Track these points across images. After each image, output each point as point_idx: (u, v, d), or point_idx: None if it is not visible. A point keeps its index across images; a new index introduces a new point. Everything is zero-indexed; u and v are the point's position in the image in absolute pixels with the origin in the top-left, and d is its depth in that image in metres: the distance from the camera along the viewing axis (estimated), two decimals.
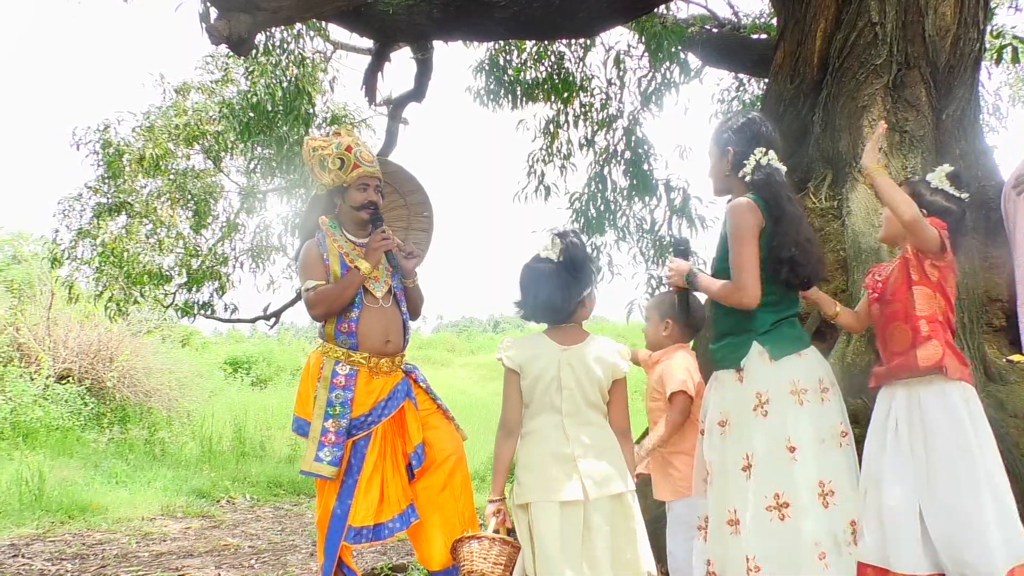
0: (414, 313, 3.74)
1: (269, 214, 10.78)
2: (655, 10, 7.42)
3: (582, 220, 8.19)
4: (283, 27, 7.22)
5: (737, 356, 2.87)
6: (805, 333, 3.01)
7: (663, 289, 8.96)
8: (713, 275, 2.99)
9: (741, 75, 8.50)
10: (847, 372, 3.51)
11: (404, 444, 3.40)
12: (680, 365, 3.26)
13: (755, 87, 8.87)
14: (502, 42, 8.30)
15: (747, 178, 2.91)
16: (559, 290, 2.71)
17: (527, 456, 2.72)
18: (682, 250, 3.14)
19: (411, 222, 4.01)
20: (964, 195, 2.99)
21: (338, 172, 3.47)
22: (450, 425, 3.57)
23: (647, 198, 7.84)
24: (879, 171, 2.88)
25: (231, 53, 6.74)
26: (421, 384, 3.62)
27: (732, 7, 8.45)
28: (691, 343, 3.57)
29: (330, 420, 3.32)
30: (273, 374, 18.56)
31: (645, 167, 7.71)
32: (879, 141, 3.09)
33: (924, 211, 2.82)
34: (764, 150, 2.92)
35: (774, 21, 8.43)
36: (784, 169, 2.96)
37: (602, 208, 7.81)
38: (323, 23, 7.75)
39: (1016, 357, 3.79)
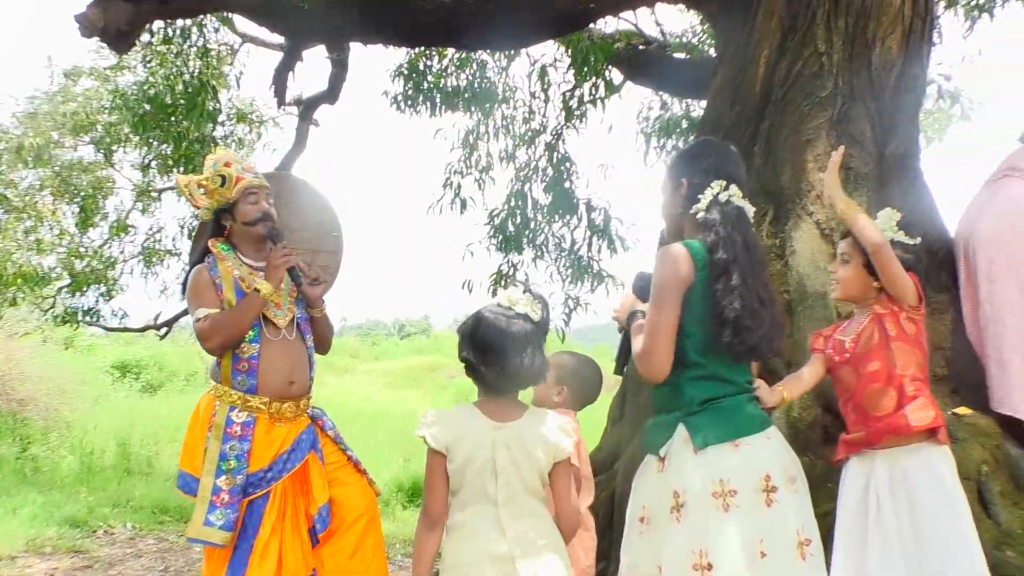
0: (321, 347, 3.33)
1: (164, 215, 10.07)
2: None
3: (500, 237, 7.89)
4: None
5: (659, 440, 2.36)
6: (755, 415, 2.40)
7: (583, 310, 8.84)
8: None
9: (666, 94, 8.35)
10: (792, 428, 3.29)
11: (307, 504, 2.98)
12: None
13: (676, 106, 8.77)
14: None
15: (699, 215, 2.40)
16: (537, 355, 2.24)
17: (455, 555, 2.26)
18: (641, 286, 2.68)
19: (318, 243, 3.59)
20: (916, 241, 2.82)
21: (220, 190, 3.07)
22: (362, 480, 3.17)
23: (568, 217, 7.58)
24: (849, 204, 2.70)
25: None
26: (329, 432, 3.21)
27: (659, 25, 8.30)
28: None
29: (223, 477, 2.87)
30: (165, 379, 17.57)
31: (567, 184, 7.44)
32: (836, 171, 2.89)
33: None
34: (723, 183, 2.41)
35: (698, 41, 8.38)
36: (751, 209, 2.51)
37: (521, 225, 7.50)
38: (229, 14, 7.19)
39: (962, 410, 3.64)
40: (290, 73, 6.53)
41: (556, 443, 2.26)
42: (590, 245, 7.50)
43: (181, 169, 7.68)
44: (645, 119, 8.49)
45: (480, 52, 7.95)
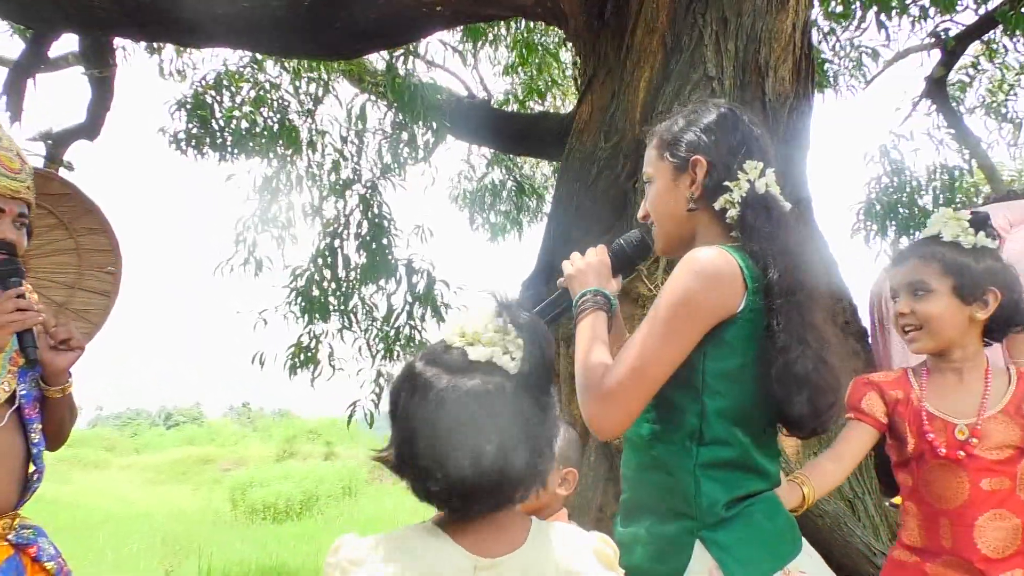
0: (55, 440, 2.16)
1: None
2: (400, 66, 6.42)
3: (301, 301, 6.72)
4: None
5: (667, 571, 1.51)
6: (792, 522, 1.64)
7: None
8: None
9: (491, 149, 7.71)
10: None
11: None
12: None
13: (496, 171, 8.18)
14: (212, 78, 6.77)
15: (730, 213, 1.64)
16: (524, 437, 1.15)
17: None
18: (620, 251, 1.87)
19: (82, 278, 2.46)
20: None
21: None
22: None
23: (384, 279, 6.59)
24: None
25: None
26: (47, 564, 2.02)
27: (484, 84, 7.71)
28: None
29: None
30: None
31: (384, 241, 6.48)
32: None
33: None
34: (758, 165, 1.66)
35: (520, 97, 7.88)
36: (789, 207, 1.72)
37: (332, 288, 6.40)
38: None
39: (898, 499, 3.02)
40: (29, 81, 4.95)
41: None
42: (411, 312, 6.52)
43: None
44: (466, 177, 7.77)
45: (281, 91, 6.93)
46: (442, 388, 1.14)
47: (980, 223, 1.91)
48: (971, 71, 7.68)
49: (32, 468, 2.03)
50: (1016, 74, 7.77)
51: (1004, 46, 7.20)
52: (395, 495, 17.82)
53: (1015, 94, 7.88)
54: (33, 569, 2.00)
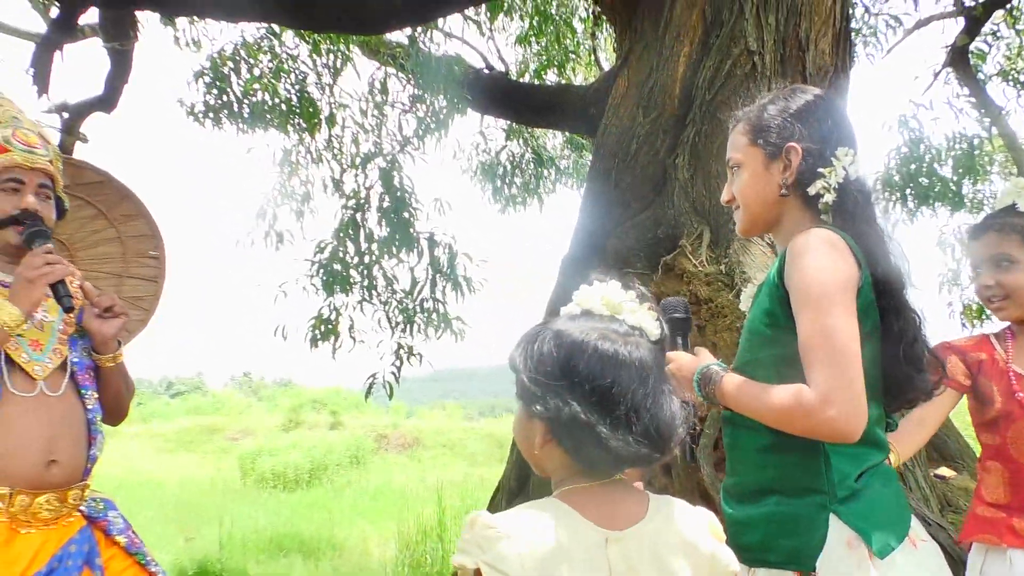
0: (113, 413, 2.22)
1: None
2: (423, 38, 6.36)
3: (322, 274, 6.72)
4: None
5: (798, 545, 1.52)
6: (900, 485, 1.68)
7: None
8: (736, 372, 1.70)
9: (511, 122, 7.66)
10: None
11: None
12: None
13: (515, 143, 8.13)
14: (230, 50, 6.71)
15: (826, 199, 1.67)
16: (668, 400, 1.24)
17: None
18: (676, 323, 1.79)
19: (128, 266, 2.51)
20: None
21: None
22: None
23: (406, 253, 6.58)
24: None
25: None
26: (118, 538, 2.08)
27: (500, 55, 7.64)
28: None
29: None
30: None
31: (406, 215, 6.46)
32: None
33: None
34: (850, 151, 1.69)
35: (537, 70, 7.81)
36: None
37: (356, 262, 6.40)
38: None
39: (945, 471, 3.07)
40: (56, 53, 4.91)
41: (712, 555, 1.27)
42: (433, 286, 6.52)
43: None
44: (484, 151, 7.72)
45: (299, 63, 6.87)
46: (620, 348, 1.22)
47: None
48: (990, 39, 7.61)
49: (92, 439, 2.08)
50: None
51: None
52: (401, 465, 17.99)
53: None
54: (106, 543, 2.05)
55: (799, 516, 1.53)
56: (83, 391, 2.08)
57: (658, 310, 1.31)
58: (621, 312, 1.28)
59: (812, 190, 1.68)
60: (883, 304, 1.58)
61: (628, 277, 1.38)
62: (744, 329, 1.75)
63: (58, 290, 1.99)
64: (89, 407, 2.08)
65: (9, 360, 1.94)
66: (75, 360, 2.08)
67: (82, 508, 2.03)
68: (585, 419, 1.17)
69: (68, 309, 2.03)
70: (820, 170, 1.67)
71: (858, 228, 1.62)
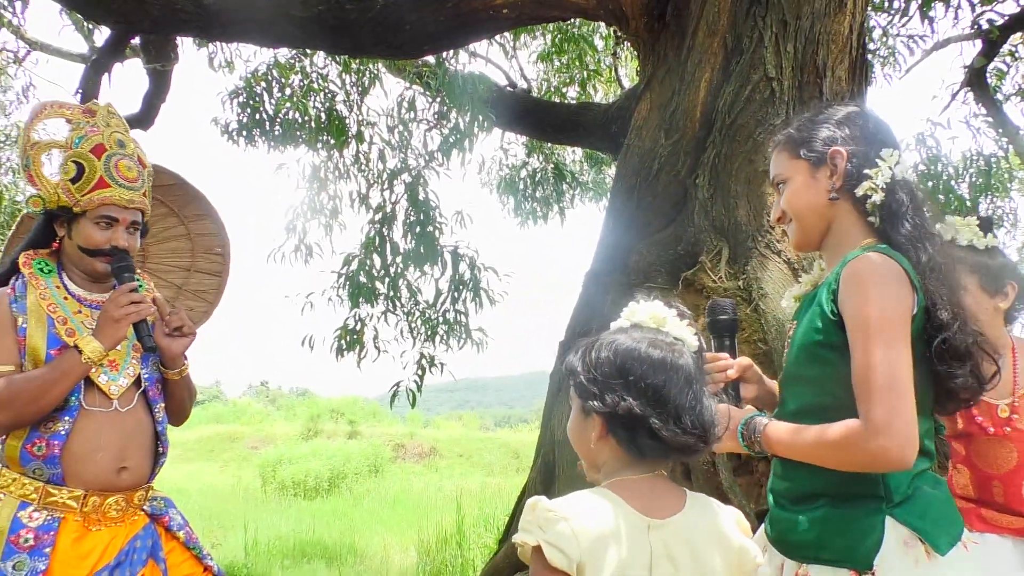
0: (177, 417, 2.37)
1: None
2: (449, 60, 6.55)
3: (348, 286, 6.91)
4: None
5: (853, 544, 1.58)
6: (951, 495, 1.73)
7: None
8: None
9: (533, 139, 7.83)
10: None
11: None
12: None
13: (535, 158, 8.29)
14: (263, 70, 6.93)
15: (874, 199, 1.70)
16: (708, 399, 1.44)
17: None
18: (727, 323, 1.94)
19: (196, 261, 2.68)
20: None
21: (69, 185, 2.09)
22: None
23: (430, 266, 6.76)
24: None
25: None
26: (178, 533, 2.24)
27: (523, 73, 7.82)
28: None
29: None
30: None
31: (430, 229, 6.64)
32: None
33: None
34: (894, 153, 1.72)
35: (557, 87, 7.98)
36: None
37: (381, 274, 6.58)
38: (12, 7, 5.77)
39: None
40: (105, 76, 5.19)
41: (740, 548, 1.44)
42: (456, 298, 6.69)
43: None
44: (508, 166, 7.90)
45: (328, 82, 7.08)
46: (668, 355, 1.42)
47: (988, 225, 2.15)
48: (1009, 60, 7.71)
49: (159, 446, 2.24)
50: None
51: None
52: (419, 474, 18.09)
53: None
54: (166, 537, 2.21)
55: (855, 517, 1.60)
56: (153, 404, 2.22)
57: (696, 326, 1.49)
58: (665, 325, 1.47)
59: (860, 191, 1.71)
60: (926, 303, 1.61)
61: (652, 292, 1.56)
62: (793, 342, 1.78)
63: (140, 330, 2.12)
64: (158, 419, 2.23)
65: (87, 379, 2.08)
66: (146, 376, 2.22)
67: (145, 507, 2.19)
68: (640, 411, 1.35)
69: (149, 349, 2.15)
70: (867, 171, 1.71)
71: (906, 228, 1.65)
